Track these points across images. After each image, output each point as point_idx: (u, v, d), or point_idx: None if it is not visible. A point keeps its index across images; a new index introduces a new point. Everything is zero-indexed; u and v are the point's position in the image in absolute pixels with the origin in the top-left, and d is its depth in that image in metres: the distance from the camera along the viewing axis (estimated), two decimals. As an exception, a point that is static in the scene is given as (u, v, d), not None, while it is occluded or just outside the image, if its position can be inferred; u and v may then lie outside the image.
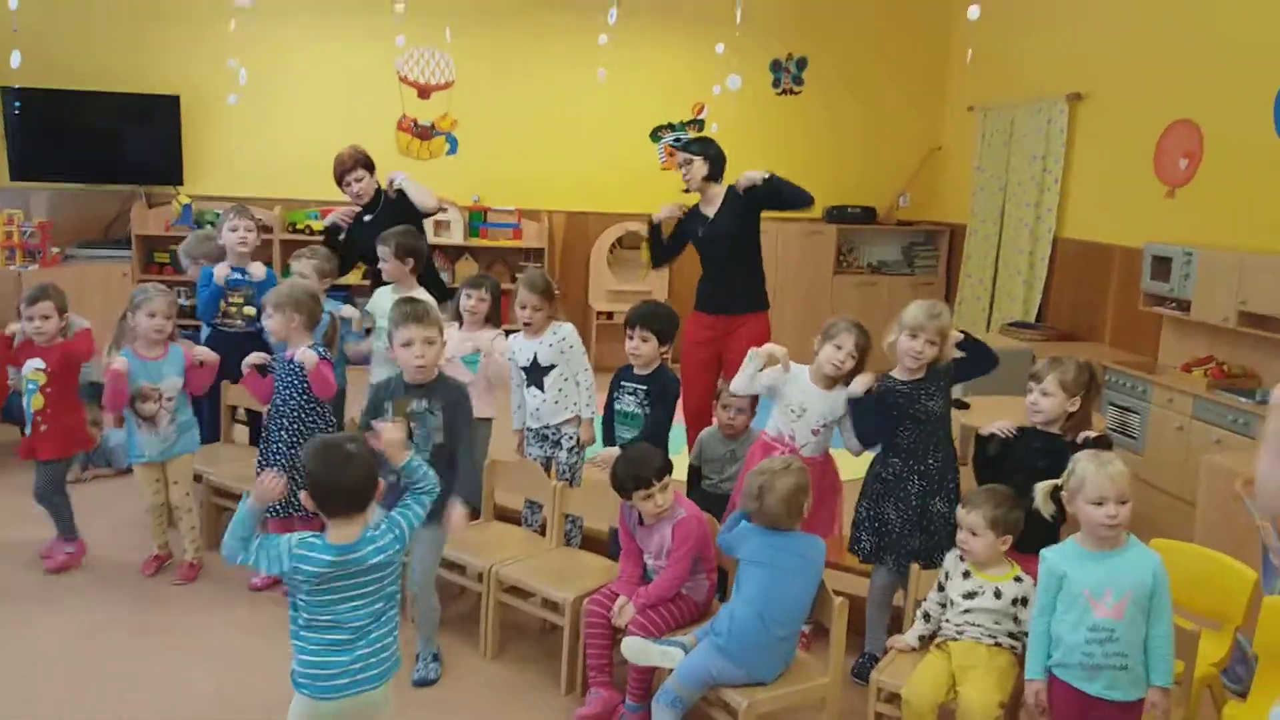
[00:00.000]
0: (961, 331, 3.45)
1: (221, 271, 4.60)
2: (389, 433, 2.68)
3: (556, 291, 4.06)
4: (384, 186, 5.13)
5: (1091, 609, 2.57)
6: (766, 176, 4.60)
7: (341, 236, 5.07)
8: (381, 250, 4.47)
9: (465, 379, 3.73)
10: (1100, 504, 2.56)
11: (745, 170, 4.67)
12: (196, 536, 4.12)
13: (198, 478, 4.31)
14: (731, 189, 4.73)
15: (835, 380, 3.53)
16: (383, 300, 4.40)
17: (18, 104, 6.66)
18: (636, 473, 3.12)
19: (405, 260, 4.45)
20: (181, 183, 7.58)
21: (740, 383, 3.66)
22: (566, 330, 3.96)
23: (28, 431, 4.05)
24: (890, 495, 3.41)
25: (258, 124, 7.63)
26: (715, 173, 4.77)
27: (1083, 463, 2.63)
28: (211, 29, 7.32)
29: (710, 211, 4.79)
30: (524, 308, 3.90)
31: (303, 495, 2.46)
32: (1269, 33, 5.23)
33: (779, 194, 4.66)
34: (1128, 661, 2.56)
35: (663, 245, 4.96)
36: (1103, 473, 2.57)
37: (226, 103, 6.99)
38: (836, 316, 3.62)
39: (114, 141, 7.45)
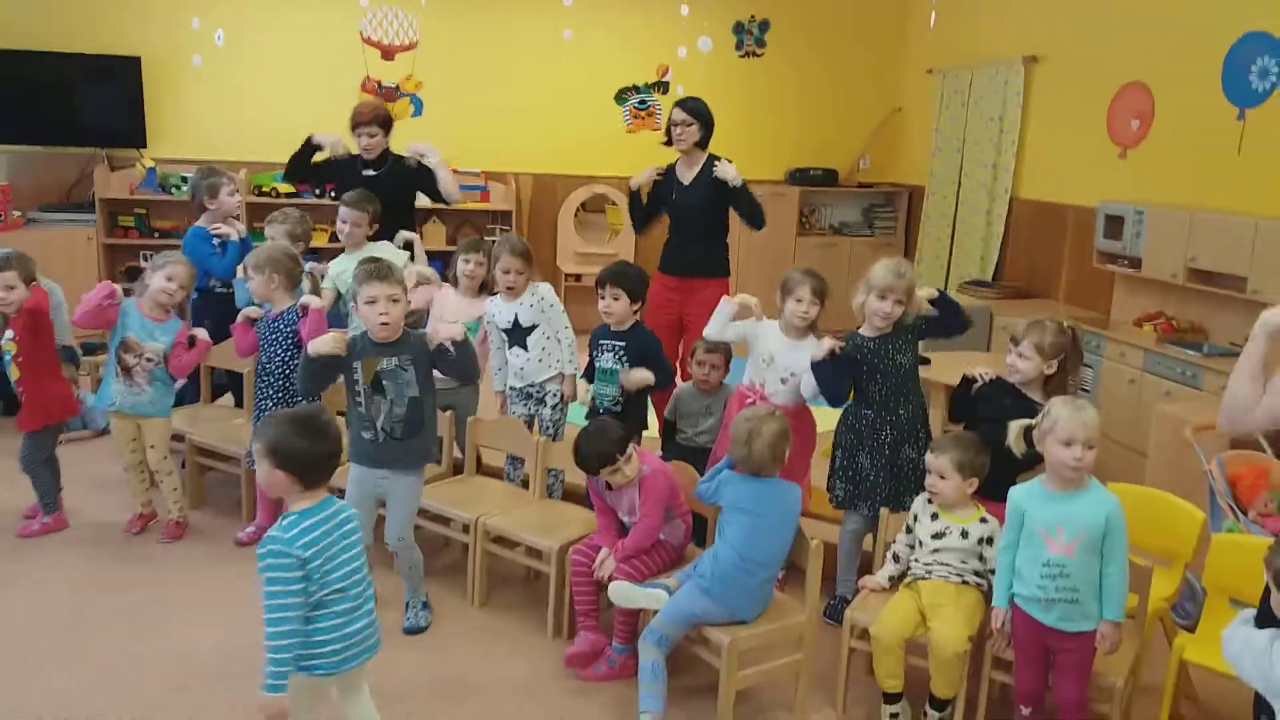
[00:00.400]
0: (938, 290, 3.58)
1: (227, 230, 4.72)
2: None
3: None
4: (406, 154, 5.12)
5: (1046, 545, 2.74)
6: (739, 184, 4.71)
7: (321, 157, 5.10)
8: (355, 214, 4.52)
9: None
10: (1069, 445, 2.71)
11: (728, 165, 4.74)
12: (180, 496, 4.18)
13: (180, 438, 4.36)
14: (708, 165, 4.80)
15: (805, 331, 3.68)
16: (343, 267, 4.48)
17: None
18: (600, 450, 3.21)
19: (373, 225, 4.60)
20: (145, 145, 7.50)
21: (712, 329, 3.81)
22: (544, 290, 4.04)
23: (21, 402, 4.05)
24: (864, 445, 3.56)
25: (221, 86, 7.56)
26: (705, 139, 4.84)
27: (1058, 406, 2.77)
28: (172, -11, 7.24)
29: (687, 178, 4.88)
30: (506, 272, 3.96)
31: (271, 475, 2.39)
32: (1218, -2, 5.40)
33: (739, 201, 4.77)
34: (1078, 596, 2.73)
35: (643, 209, 5.04)
36: (1076, 417, 2.71)
37: (188, 64, 6.95)
38: (790, 269, 3.77)
39: (74, 103, 7.34)
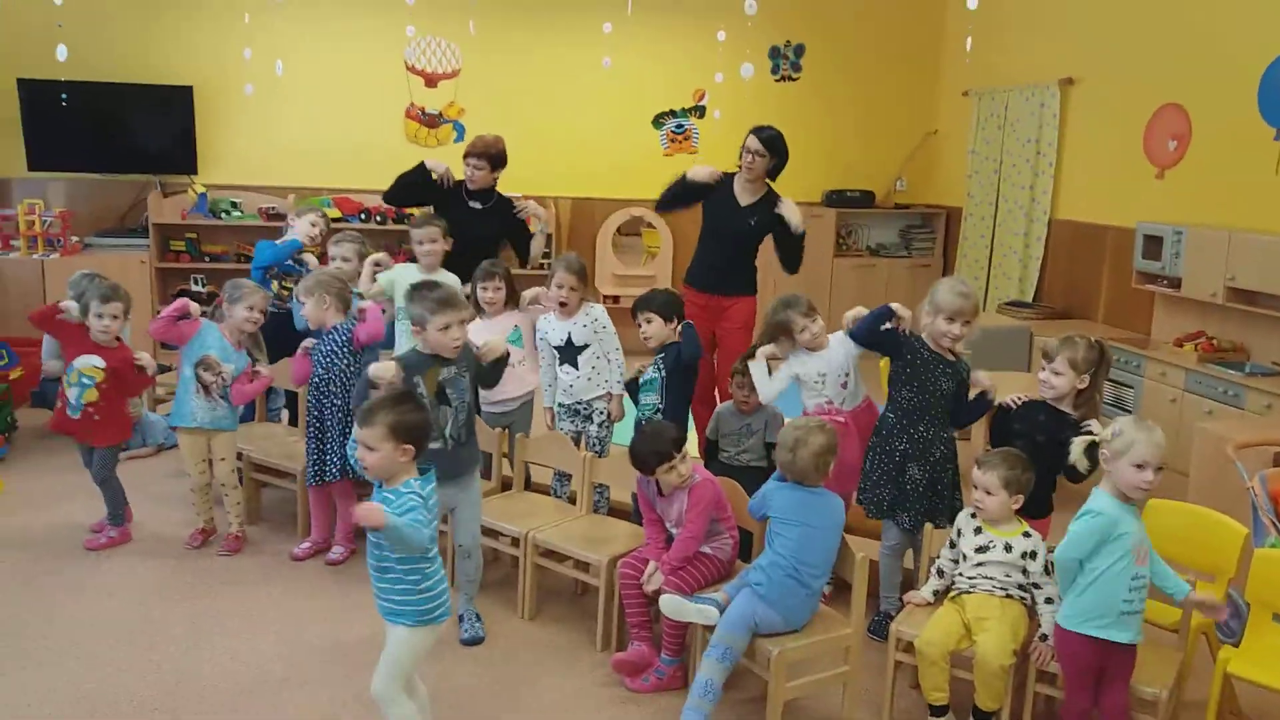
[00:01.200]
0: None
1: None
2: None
3: None
4: (518, 203, 5.18)
5: (1134, 559, 2.77)
6: (800, 232, 4.83)
7: (433, 179, 5.11)
8: (429, 231, 4.55)
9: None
10: (1142, 468, 2.75)
11: (794, 209, 4.85)
12: (241, 511, 4.32)
13: (239, 455, 4.50)
14: (769, 197, 4.88)
15: (825, 341, 3.89)
16: (406, 277, 4.56)
17: (64, 95, 6.76)
18: (656, 448, 3.31)
19: (448, 240, 4.63)
20: (196, 171, 7.72)
21: (767, 393, 3.93)
22: (599, 311, 4.15)
23: (74, 416, 4.17)
24: (877, 449, 3.67)
25: (270, 113, 7.77)
26: (774, 172, 4.91)
27: (1130, 428, 2.79)
28: (224, 20, 7.46)
29: (745, 200, 4.90)
30: (561, 288, 4.07)
31: (393, 449, 2.64)
32: (1254, 18, 5.44)
33: (789, 244, 4.88)
34: (1143, 605, 2.81)
35: (679, 198, 5.04)
36: (1151, 439, 2.75)
37: (238, 93, 7.12)
38: (778, 311, 3.92)
39: (129, 132, 7.57)
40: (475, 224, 4.88)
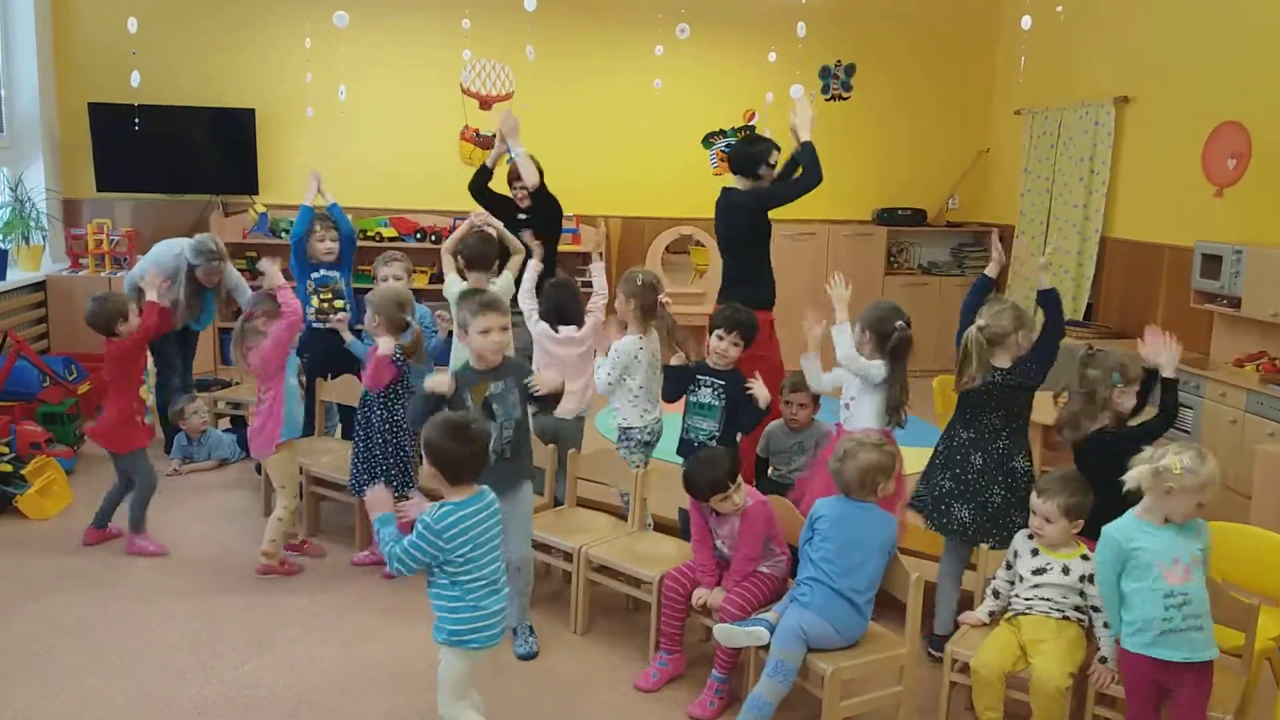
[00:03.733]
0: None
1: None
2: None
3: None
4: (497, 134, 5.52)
5: (1164, 577, 2.73)
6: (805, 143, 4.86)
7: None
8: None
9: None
10: (1202, 505, 2.76)
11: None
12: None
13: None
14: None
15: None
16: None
17: (137, 120, 6.99)
18: (713, 478, 3.31)
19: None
20: (256, 192, 7.92)
21: (818, 384, 3.95)
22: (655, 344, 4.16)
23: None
24: (947, 465, 3.62)
25: (329, 135, 7.94)
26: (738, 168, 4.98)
27: (1200, 465, 2.72)
28: (286, 46, 7.66)
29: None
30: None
31: (425, 469, 2.78)
32: (1317, 36, 5.37)
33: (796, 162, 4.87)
34: (1203, 623, 2.73)
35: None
36: (1218, 479, 2.75)
37: (299, 115, 7.31)
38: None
39: (193, 153, 7.79)
40: (522, 226, 5.10)
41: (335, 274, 5.10)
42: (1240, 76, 5.91)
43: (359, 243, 7.78)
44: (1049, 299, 3.70)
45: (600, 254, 4.98)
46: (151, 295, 4.36)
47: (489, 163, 5.55)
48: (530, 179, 5.31)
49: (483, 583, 2.74)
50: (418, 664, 3.44)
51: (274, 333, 4.09)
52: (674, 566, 3.52)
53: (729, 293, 4.70)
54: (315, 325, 4.91)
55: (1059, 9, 5.84)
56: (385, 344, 4.06)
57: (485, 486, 2.83)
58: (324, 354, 4.90)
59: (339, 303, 4.99)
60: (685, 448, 3.98)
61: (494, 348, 3.41)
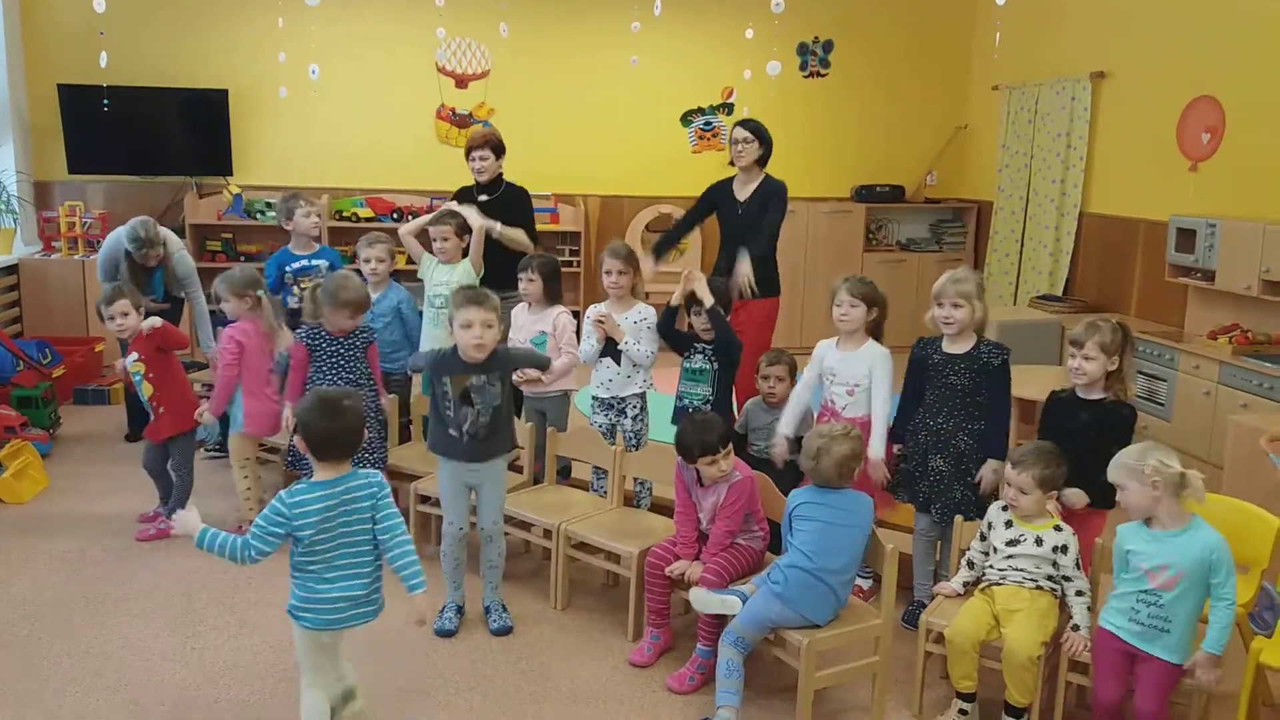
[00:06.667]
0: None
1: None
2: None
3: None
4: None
5: (1147, 578, 2.82)
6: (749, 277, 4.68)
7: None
8: (441, 229, 4.73)
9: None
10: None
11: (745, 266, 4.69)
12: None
13: (274, 449, 4.60)
14: (765, 183, 4.93)
15: (860, 337, 3.81)
16: (433, 271, 4.79)
17: (106, 100, 6.92)
18: (703, 439, 3.33)
19: (462, 237, 4.79)
20: (231, 173, 7.85)
21: (803, 394, 3.93)
22: (650, 312, 4.19)
23: (151, 418, 4.35)
24: (910, 442, 3.73)
25: (303, 115, 7.88)
26: (764, 158, 4.96)
27: (1176, 462, 2.83)
28: (258, 25, 7.58)
29: (743, 195, 4.99)
30: (609, 273, 4.15)
31: (297, 441, 2.72)
32: (1290, 9, 5.39)
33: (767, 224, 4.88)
34: (1169, 627, 2.79)
35: (688, 222, 5.31)
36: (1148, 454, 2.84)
37: (273, 95, 7.26)
38: (836, 280, 3.87)
39: (166, 135, 7.72)
40: (489, 213, 4.94)
41: (320, 263, 5.06)
42: (1213, 51, 5.93)
43: (336, 223, 7.79)
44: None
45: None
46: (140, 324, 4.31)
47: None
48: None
49: (319, 566, 2.67)
50: (395, 640, 3.46)
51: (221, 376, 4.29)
52: (656, 543, 3.53)
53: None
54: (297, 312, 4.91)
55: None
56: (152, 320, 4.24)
57: (358, 470, 2.75)
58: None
59: (305, 283, 4.96)
60: (679, 416, 4.02)
61: (474, 342, 3.40)
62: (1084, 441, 3.28)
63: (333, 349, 4.15)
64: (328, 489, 2.66)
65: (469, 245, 4.83)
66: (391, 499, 2.78)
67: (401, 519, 2.78)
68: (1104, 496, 3.24)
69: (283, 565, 4.02)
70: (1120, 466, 2.89)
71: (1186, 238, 5.75)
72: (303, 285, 4.94)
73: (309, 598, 2.70)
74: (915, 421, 3.73)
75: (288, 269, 5.04)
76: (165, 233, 5.37)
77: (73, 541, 4.32)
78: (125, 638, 3.54)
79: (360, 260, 4.83)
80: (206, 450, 5.37)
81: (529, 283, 4.39)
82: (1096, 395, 3.39)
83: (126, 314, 4.22)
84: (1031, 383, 4.63)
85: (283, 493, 2.65)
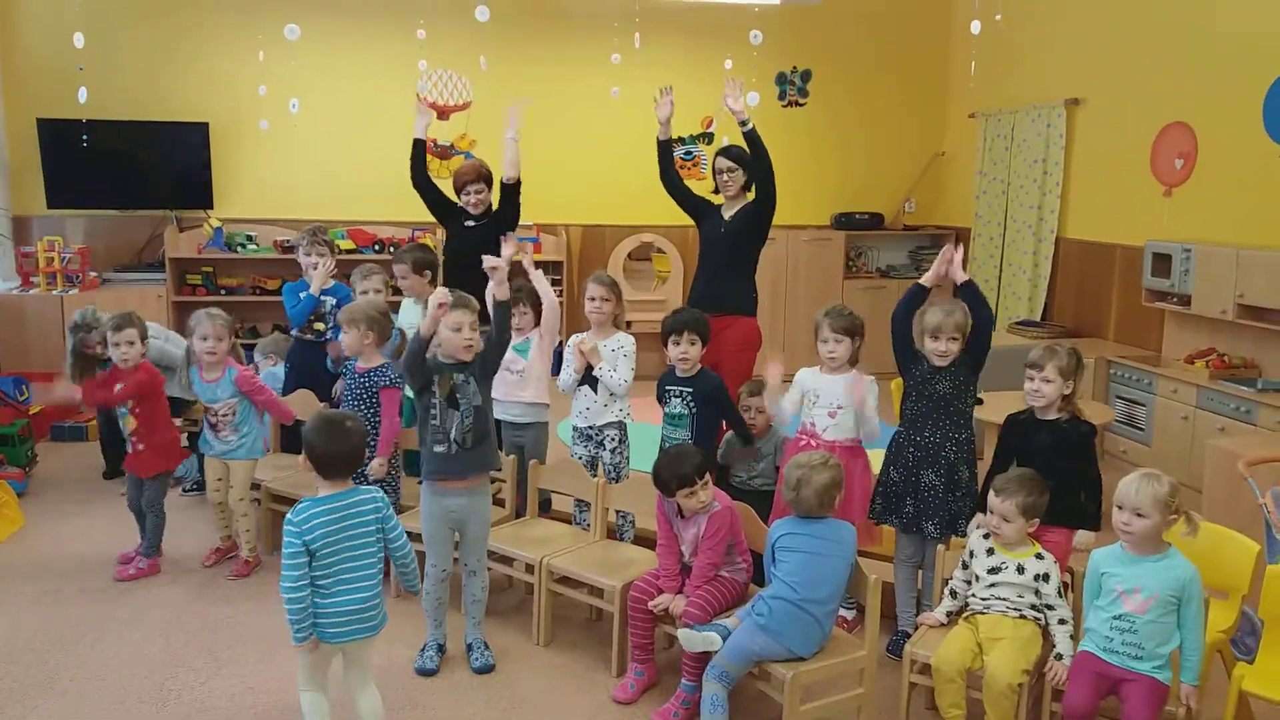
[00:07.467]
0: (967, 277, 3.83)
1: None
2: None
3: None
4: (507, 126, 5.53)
5: (1121, 602, 2.85)
6: (746, 123, 4.83)
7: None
8: (399, 268, 4.85)
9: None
10: (1119, 509, 2.88)
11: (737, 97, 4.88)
12: (252, 538, 4.38)
13: (256, 485, 4.54)
14: (754, 203, 4.94)
15: (845, 367, 3.82)
16: (409, 314, 4.82)
17: (85, 136, 6.91)
18: (679, 472, 3.33)
19: (422, 274, 4.89)
20: (211, 206, 7.83)
21: (781, 412, 3.91)
22: (628, 341, 4.20)
23: (128, 449, 4.33)
24: (893, 461, 3.75)
25: (284, 148, 7.87)
26: (749, 183, 4.97)
27: (1127, 479, 2.91)
28: (238, 58, 7.59)
29: (729, 214, 5.00)
30: (592, 299, 4.18)
31: (301, 460, 2.87)
32: (1257, 37, 5.48)
33: (757, 162, 4.87)
34: (1143, 653, 2.83)
35: (686, 197, 5.28)
36: (1130, 484, 2.87)
37: (253, 128, 7.23)
38: (818, 312, 3.90)
39: (146, 168, 7.69)
40: (472, 239, 4.99)
41: (324, 296, 5.05)
42: (1186, 78, 6.02)
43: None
44: (969, 291, 3.78)
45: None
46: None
47: (420, 133, 5.55)
48: (514, 170, 5.33)
49: (324, 581, 2.78)
50: (378, 679, 3.39)
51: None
52: (639, 577, 3.51)
53: (731, 294, 4.83)
54: (307, 338, 4.99)
55: (997, 17, 5.92)
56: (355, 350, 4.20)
57: (360, 486, 2.91)
58: (306, 363, 4.93)
59: (318, 325, 5.00)
60: (661, 450, 3.99)
61: (464, 343, 3.44)
62: (1044, 462, 3.32)
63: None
64: (330, 504, 2.81)
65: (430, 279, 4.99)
66: (395, 514, 2.98)
67: (405, 534, 3.01)
68: (1069, 515, 3.30)
69: (262, 605, 4.04)
70: (1151, 498, 2.85)
71: (1162, 262, 5.81)
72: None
73: (294, 611, 2.77)
74: (899, 439, 3.73)
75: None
76: (154, 328, 5.02)
77: (49, 582, 4.26)
78: (101, 679, 3.49)
79: (357, 293, 4.85)
80: (184, 490, 5.33)
81: (521, 317, 4.41)
82: (1053, 416, 3.44)
83: (132, 343, 4.20)
84: (1009, 408, 4.63)
85: (289, 513, 2.79)
